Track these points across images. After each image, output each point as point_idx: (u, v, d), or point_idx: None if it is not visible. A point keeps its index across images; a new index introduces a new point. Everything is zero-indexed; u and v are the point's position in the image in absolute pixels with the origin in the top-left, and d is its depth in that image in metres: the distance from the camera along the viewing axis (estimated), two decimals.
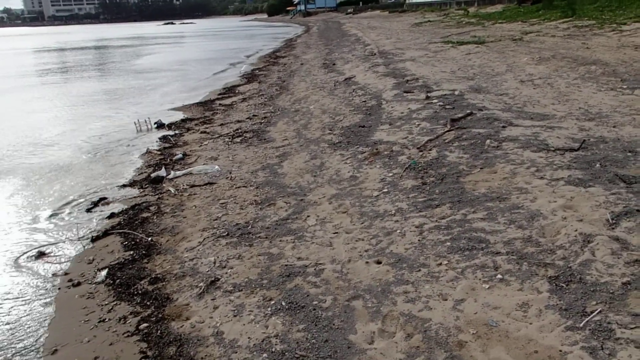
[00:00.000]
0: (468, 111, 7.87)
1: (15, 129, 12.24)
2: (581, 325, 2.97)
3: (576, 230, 3.93)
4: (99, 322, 4.04)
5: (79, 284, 4.70)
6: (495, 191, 5.02)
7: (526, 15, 25.96)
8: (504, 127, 6.91)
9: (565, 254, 3.69)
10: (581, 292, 3.25)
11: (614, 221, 3.94)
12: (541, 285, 3.41)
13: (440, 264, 3.94)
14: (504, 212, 4.53)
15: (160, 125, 11.28)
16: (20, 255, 5.48)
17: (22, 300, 4.59)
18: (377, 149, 7.08)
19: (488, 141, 6.34)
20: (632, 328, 2.87)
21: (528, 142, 6.13)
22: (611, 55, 12.03)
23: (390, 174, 6.12)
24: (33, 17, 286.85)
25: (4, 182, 8.17)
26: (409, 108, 8.92)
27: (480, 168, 5.64)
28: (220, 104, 13.72)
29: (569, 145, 5.89)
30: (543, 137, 6.29)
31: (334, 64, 18.21)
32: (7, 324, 4.25)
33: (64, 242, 5.73)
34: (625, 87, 8.94)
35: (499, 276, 3.61)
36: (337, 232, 4.90)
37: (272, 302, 3.87)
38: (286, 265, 4.41)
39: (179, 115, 12.58)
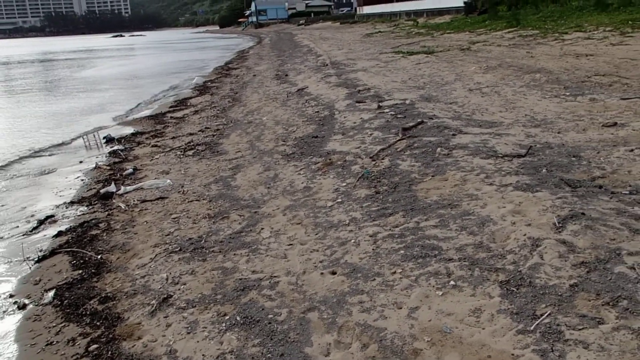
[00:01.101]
0: (419, 120, 8.00)
1: None
2: (532, 328, 3.03)
3: (525, 235, 4.02)
4: (47, 345, 3.86)
5: (24, 306, 4.49)
6: (446, 198, 5.10)
7: (473, 25, 26.74)
8: (454, 135, 7.05)
9: (515, 258, 3.77)
10: (531, 296, 3.32)
11: (560, 225, 4.06)
12: (493, 290, 3.47)
13: (395, 272, 3.95)
14: (455, 218, 4.60)
15: (109, 140, 11.00)
16: None
17: None
18: (330, 159, 7.10)
19: (439, 149, 6.45)
20: (580, 329, 2.95)
21: (477, 149, 6.27)
22: (554, 63, 12.50)
23: (344, 184, 6.14)
24: None
25: None
26: (361, 118, 9.00)
27: (432, 176, 5.73)
28: (171, 117, 13.51)
29: (517, 152, 6.06)
30: (492, 144, 6.45)
31: (286, 75, 18.23)
32: None
33: (8, 262, 5.47)
34: (568, 94, 9.30)
35: (452, 282, 3.65)
36: (291, 244, 4.86)
37: (227, 317, 3.79)
38: (240, 279, 4.34)
39: (129, 129, 12.30)
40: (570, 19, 20.11)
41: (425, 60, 16.26)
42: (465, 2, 35.01)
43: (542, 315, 3.12)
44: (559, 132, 6.94)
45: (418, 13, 44.78)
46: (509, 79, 11.34)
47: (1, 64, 49.39)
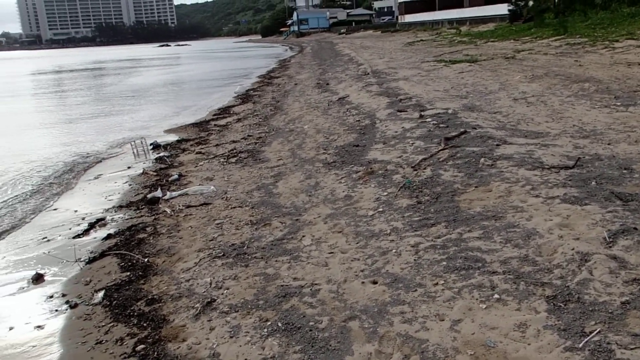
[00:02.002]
0: (462, 129, 7.92)
1: (12, 148, 12.22)
2: (580, 345, 2.96)
3: (573, 249, 3.93)
4: (96, 343, 3.99)
5: (76, 305, 4.66)
6: (490, 210, 5.03)
7: (518, 33, 26.31)
8: (498, 145, 6.95)
9: (563, 273, 3.69)
10: (580, 312, 3.24)
11: (611, 239, 3.95)
12: (539, 305, 3.40)
13: (437, 283, 3.92)
14: (499, 230, 4.53)
15: (156, 147, 11.30)
16: (19, 277, 5.45)
17: (20, 322, 4.54)
18: (371, 168, 7.10)
19: (482, 159, 6.37)
20: (632, 348, 2.86)
21: (522, 160, 6.17)
22: (604, 72, 12.18)
23: (385, 193, 6.13)
24: (31, 41, 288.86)
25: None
26: (402, 127, 8.97)
27: (475, 186, 5.66)
28: (215, 125, 13.77)
29: (564, 163, 5.92)
30: (537, 155, 6.33)
31: (327, 84, 18.33)
32: (4, 346, 4.20)
33: (61, 263, 5.69)
34: (619, 104, 9.04)
35: (496, 296, 3.60)
36: (332, 252, 4.88)
37: (269, 322, 3.84)
38: (282, 285, 4.38)
39: (174, 136, 12.61)
40: (622, 27, 19.55)
41: (468, 69, 16.08)
42: (509, 10, 34.49)
43: (591, 332, 3.04)
44: (609, 144, 6.75)
45: (461, 21, 44.35)
46: (556, 88, 11.10)
47: (54, 72, 51.37)
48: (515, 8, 33.72)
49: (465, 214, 5.05)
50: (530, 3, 30.36)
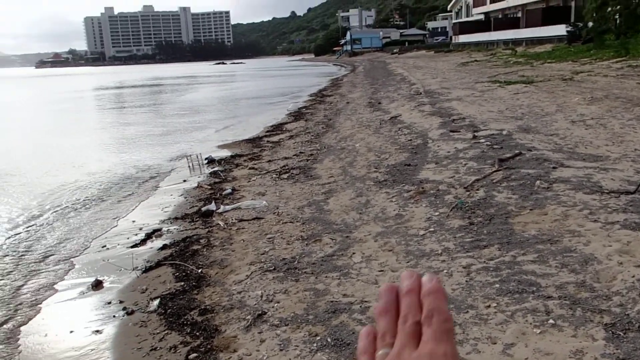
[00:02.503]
0: (517, 151, 7.79)
1: (74, 161, 12.81)
2: None
3: (633, 277, 3.80)
4: (151, 350, 4.13)
5: (132, 312, 4.83)
6: (546, 233, 4.92)
7: (577, 54, 25.69)
8: (554, 168, 6.80)
9: (622, 300, 3.58)
10: None
11: None
12: (596, 332, 3.31)
13: (489, 306, 3.87)
14: (555, 255, 4.43)
15: (210, 161, 11.61)
16: (80, 283, 5.71)
17: (80, 326, 4.75)
18: (423, 188, 7.07)
19: (538, 182, 6.25)
20: None
21: (580, 183, 6.01)
22: None
23: (437, 213, 6.09)
24: (95, 58, 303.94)
25: (63, 209, 8.56)
26: (455, 147, 8.90)
27: (530, 209, 5.55)
28: (268, 141, 14.02)
29: (625, 188, 5.74)
30: (596, 179, 6.16)
31: (379, 103, 18.38)
32: (65, 348, 4.41)
33: (119, 271, 5.92)
34: None
35: (551, 321, 3.52)
36: (382, 270, 4.89)
37: (318, 337, 3.88)
38: (332, 301, 4.41)
39: (228, 152, 12.92)
40: None
41: (523, 90, 15.80)
42: (568, 31, 33.72)
43: None
44: None
45: (516, 42, 43.64)
46: (617, 111, 10.77)
47: (116, 87, 53.60)
48: (574, 29, 32.96)
49: (519, 237, 4.96)
50: (590, 24, 29.59)
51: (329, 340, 3.81)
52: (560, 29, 35.60)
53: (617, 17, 26.96)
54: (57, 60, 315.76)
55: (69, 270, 6.16)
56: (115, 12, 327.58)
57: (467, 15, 67.02)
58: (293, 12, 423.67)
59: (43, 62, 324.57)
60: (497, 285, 4.13)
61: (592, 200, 5.46)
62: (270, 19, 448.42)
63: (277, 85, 43.49)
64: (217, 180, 9.81)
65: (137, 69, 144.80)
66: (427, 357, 0.48)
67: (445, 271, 4.58)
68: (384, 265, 5.00)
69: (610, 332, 3.28)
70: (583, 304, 3.63)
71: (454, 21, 73.06)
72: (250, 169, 10.53)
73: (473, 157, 8.06)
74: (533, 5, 46.35)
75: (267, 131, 16.14)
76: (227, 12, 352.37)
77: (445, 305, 0.51)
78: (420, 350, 0.49)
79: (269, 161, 11.11)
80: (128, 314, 4.81)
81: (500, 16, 55.25)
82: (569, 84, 16.14)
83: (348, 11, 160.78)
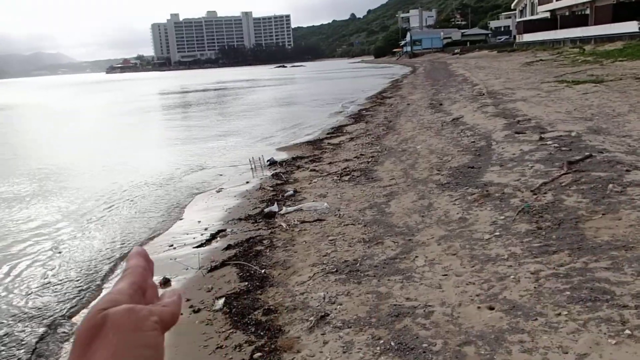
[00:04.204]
0: (587, 153, 7.48)
1: (144, 163, 13.34)
2: None
3: None
4: (217, 348, 4.25)
5: (199, 310, 4.98)
6: (620, 239, 4.71)
7: None
8: (628, 170, 6.49)
9: None
10: None
11: None
12: None
13: (560, 314, 3.74)
14: (631, 262, 4.23)
15: (272, 163, 11.80)
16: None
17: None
18: (487, 191, 6.91)
19: (610, 185, 5.98)
20: None
21: None
22: None
23: (502, 217, 5.94)
24: (161, 63, 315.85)
25: (132, 209, 8.94)
26: (521, 149, 8.65)
27: (602, 214, 5.32)
28: (328, 143, 14.10)
29: None
30: None
31: (440, 104, 18.10)
32: None
33: (186, 270, 6.12)
34: None
35: (628, 331, 3.36)
36: (446, 274, 4.82)
37: (381, 341, 3.87)
38: (394, 305, 4.39)
39: (290, 154, 13.09)
40: None
41: (593, 90, 15.15)
42: None
43: None
44: None
45: (584, 40, 41.87)
46: None
47: (182, 92, 55.35)
48: None
49: (591, 242, 4.77)
50: None
51: (392, 344, 3.80)
52: (632, 26, 33.91)
53: None
54: (126, 66, 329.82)
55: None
56: (181, 19, 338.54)
57: (532, 14, 64.93)
58: (353, 14, 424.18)
59: (113, 67, 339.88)
60: (568, 293, 3.99)
61: None
62: (330, 21, 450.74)
63: (337, 87, 43.64)
64: (279, 182, 9.96)
65: (200, 73, 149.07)
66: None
67: (512, 277, 4.47)
68: (447, 269, 4.93)
69: None
70: None
71: (517, 20, 70.99)
72: (311, 170, 10.63)
73: (540, 160, 7.80)
74: (602, 1, 44.36)
75: (328, 133, 16.23)
76: (288, 16, 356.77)
77: None
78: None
79: (330, 163, 11.17)
80: (195, 312, 4.96)
81: (567, 13, 53.20)
82: None
83: (408, 12, 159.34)
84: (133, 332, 0.52)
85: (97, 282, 6.19)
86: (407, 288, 4.68)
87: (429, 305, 4.28)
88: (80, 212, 9.20)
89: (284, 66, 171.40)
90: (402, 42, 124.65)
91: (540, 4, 59.29)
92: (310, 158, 12.09)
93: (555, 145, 8.49)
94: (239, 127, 20.38)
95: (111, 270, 6.55)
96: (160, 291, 0.60)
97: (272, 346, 4.10)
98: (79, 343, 0.51)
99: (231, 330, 4.48)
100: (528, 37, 56.65)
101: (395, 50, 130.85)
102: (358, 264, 5.40)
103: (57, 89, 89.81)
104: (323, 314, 4.41)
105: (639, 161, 6.97)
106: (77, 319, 5.36)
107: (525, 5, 69.36)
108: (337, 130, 16.82)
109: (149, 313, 0.54)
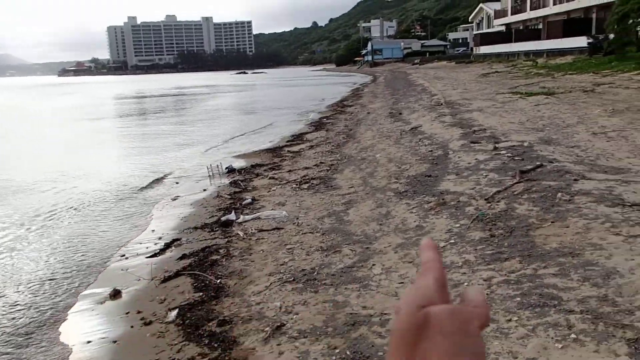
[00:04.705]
0: (538, 163, 7.71)
1: (94, 171, 13.02)
2: None
3: None
4: None
5: (150, 322, 4.88)
6: (567, 246, 4.86)
7: (598, 66, 25.37)
8: (576, 180, 6.72)
9: None
10: None
11: None
12: (619, 347, 3.26)
13: (510, 319, 3.83)
14: (577, 268, 4.37)
15: (230, 170, 11.70)
16: (97, 292, 5.79)
17: (97, 337, 4.81)
18: (443, 199, 7.04)
19: (559, 194, 6.18)
20: None
21: (602, 196, 5.93)
22: None
23: (457, 225, 6.05)
24: (117, 67, 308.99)
25: (81, 219, 8.70)
26: (476, 158, 8.85)
27: (552, 222, 5.49)
28: (288, 151, 14.10)
29: None
30: (618, 191, 6.06)
31: (400, 114, 18.35)
32: (82, 358, 4.46)
33: (138, 281, 5.98)
34: None
35: (573, 335, 3.47)
36: (403, 282, 4.87)
37: (337, 350, 3.87)
38: (351, 313, 4.41)
39: (249, 161, 13.01)
40: None
41: (545, 102, 15.65)
42: (589, 43, 33.38)
43: None
44: None
45: (537, 53, 43.25)
46: (639, 124, 10.60)
47: (138, 97, 54.38)
48: (595, 41, 32.63)
49: (540, 250, 4.91)
50: (612, 36, 29.27)
51: (348, 353, 3.81)
52: (581, 41, 35.24)
53: (638, 29, 26.63)
54: (80, 69, 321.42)
55: (88, 279, 6.23)
56: (139, 22, 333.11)
57: (488, 27, 66.65)
58: (315, 23, 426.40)
59: (65, 70, 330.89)
60: (519, 299, 4.09)
61: (614, 213, 5.38)
62: (292, 29, 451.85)
63: (299, 95, 43.71)
64: (237, 189, 9.88)
65: (158, 78, 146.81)
66: None
67: (465, 283, 4.55)
68: (404, 277, 4.99)
69: (633, 347, 3.23)
70: (605, 319, 3.57)
71: (475, 32, 72.70)
72: (270, 178, 10.59)
73: (494, 169, 8.00)
74: (554, 17, 45.96)
75: (288, 141, 16.23)
76: (250, 22, 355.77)
77: None
78: None
79: (289, 171, 11.16)
80: (146, 324, 4.85)
81: (521, 27, 54.87)
82: (590, 96, 15.95)
83: (369, 22, 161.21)
84: (461, 337, 0.49)
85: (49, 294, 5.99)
86: (363, 296, 4.71)
87: (385, 314, 4.31)
88: (29, 222, 8.90)
89: (244, 72, 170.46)
90: (364, 52, 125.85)
91: (496, 17, 60.97)
92: (269, 166, 12.06)
93: (509, 154, 8.72)
94: (196, 134, 20.14)
95: (71, 280, 6.34)
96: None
97: (226, 358, 4.05)
98: (405, 342, 0.49)
99: (184, 343, 4.41)
100: (485, 49, 58.10)
101: (356, 59, 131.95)
102: (315, 273, 5.40)
103: (3, 91, 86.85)
104: (279, 324, 4.39)
105: (586, 171, 7.23)
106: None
107: (482, 18, 71.16)
108: (298, 137, 16.83)
109: (471, 316, 0.51)
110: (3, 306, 5.70)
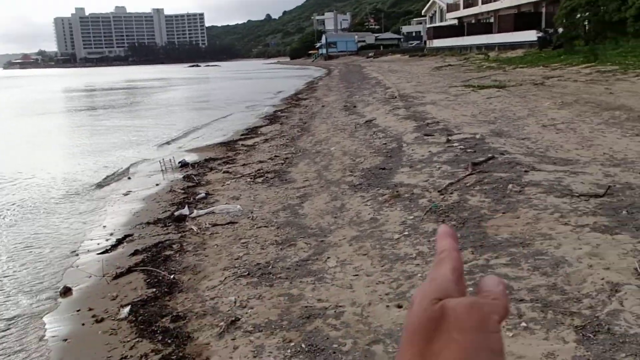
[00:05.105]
0: (489, 155, 7.88)
1: (44, 165, 12.54)
2: None
3: (603, 279, 3.86)
4: (121, 358, 4.04)
5: (102, 320, 4.72)
6: (518, 236, 4.97)
7: (548, 60, 26.17)
8: (526, 171, 6.89)
9: (592, 303, 3.62)
10: (609, 344, 3.17)
11: None
12: (567, 334, 3.35)
13: None
14: (527, 258, 4.48)
15: (184, 165, 11.47)
16: (47, 289, 5.57)
17: (48, 334, 4.63)
18: (397, 192, 7.10)
19: (510, 185, 6.32)
20: None
21: (551, 187, 6.10)
22: (636, 100, 12.02)
23: (411, 217, 6.11)
24: (65, 59, 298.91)
25: (30, 215, 8.36)
26: (429, 151, 8.96)
27: (503, 213, 5.61)
28: (242, 145, 13.94)
29: (594, 191, 5.84)
30: (567, 182, 6.25)
31: (354, 107, 18.44)
32: (29, 358, 4.28)
33: (89, 278, 5.79)
34: None
35: (523, 324, 3.55)
36: (357, 275, 4.88)
37: (292, 343, 3.84)
38: (306, 306, 4.38)
39: (202, 155, 12.79)
40: None
41: (496, 95, 16.03)
42: (539, 37, 34.41)
43: None
44: None
45: (489, 47, 44.32)
46: (586, 116, 10.99)
47: (86, 90, 52.75)
48: (545, 35, 33.66)
49: (492, 240, 5.00)
50: (560, 30, 30.24)
51: (303, 346, 3.78)
52: (531, 35, 36.30)
53: (586, 23, 27.62)
54: (26, 62, 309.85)
55: (37, 277, 5.99)
56: (87, 13, 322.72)
57: (441, 20, 67.80)
58: (268, 15, 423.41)
59: (11, 63, 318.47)
60: (471, 289, 4.12)
61: (563, 203, 5.54)
62: (245, 21, 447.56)
63: (253, 88, 43.33)
64: (190, 184, 9.69)
65: (108, 71, 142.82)
66: None
67: (419, 275, 4.59)
68: (358, 269, 4.99)
69: (581, 334, 3.32)
70: (554, 307, 3.67)
71: (428, 26, 73.83)
72: (224, 172, 10.44)
73: (447, 161, 8.12)
74: (505, 10, 47.19)
75: (242, 135, 16.04)
76: (202, 14, 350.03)
77: None
78: None
79: (244, 165, 11.03)
80: (97, 321, 4.70)
81: (473, 21, 56.08)
82: (540, 89, 16.43)
83: (323, 14, 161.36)
84: (478, 333, 0.45)
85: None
86: (318, 289, 4.69)
87: (340, 306, 4.30)
88: None
89: (197, 65, 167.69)
90: (318, 45, 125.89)
91: (449, 11, 62.09)
92: (223, 160, 11.88)
93: (461, 147, 8.87)
94: (148, 128, 19.66)
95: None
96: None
97: (180, 354, 3.95)
98: (419, 338, 0.46)
99: (137, 340, 4.28)
100: (437, 43, 59.12)
101: (311, 52, 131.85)
102: (270, 267, 5.35)
103: None
104: (234, 318, 4.32)
105: (536, 162, 7.43)
106: None
107: (435, 12, 72.29)
108: (252, 131, 16.67)
109: (490, 310, 0.46)
110: None
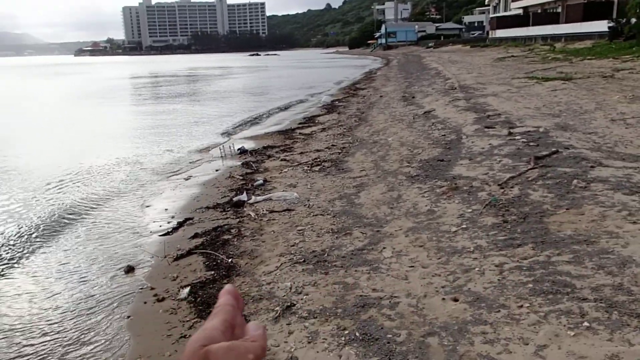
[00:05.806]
0: (553, 149, 7.62)
1: (108, 152, 13.09)
2: None
3: None
4: (180, 337, 4.19)
5: (163, 299, 4.91)
6: (582, 234, 4.80)
7: (618, 51, 24.94)
8: (592, 167, 6.62)
9: None
10: None
11: None
12: (634, 337, 3.22)
13: (522, 306, 3.80)
14: (591, 256, 4.32)
15: (243, 152, 11.69)
16: (112, 268, 5.84)
17: (111, 312, 4.85)
18: (456, 184, 6.98)
19: (575, 181, 6.10)
20: None
21: (619, 184, 5.84)
22: None
23: (470, 210, 6.00)
24: (132, 47, 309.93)
25: (96, 196, 8.76)
26: (490, 144, 8.75)
27: (566, 209, 5.42)
28: (300, 133, 14.05)
29: None
30: (636, 179, 5.97)
31: (413, 97, 18.20)
32: (95, 333, 4.51)
33: (151, 258, 6.02)
34: None
35: (586, 324, 3.43)
36: (413, 266, 4.85)
37: (346, 331, 3.87)
38: (361, 295, 4.40)
39: (260, 142, 12.99)
40: None
41: (562, 87, 15.42)
42: (610, 27, 32.78)
43: None
44: None
45: (555, 38, 42.62)
46: None
47: (152, 76, 54.42)
48: (616, 25, 32.03)
49: (554, 237, 4.85)
50: (633, 20, 28.69)
51: (357, 334, 3.80)
52: (601, 25, 34.63)
53: None
54: (96, 49, 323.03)
55: (102, 255, 6.28)
56: (153, 3, 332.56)
57: (505, 10, 65.72)
58: (328, 5, 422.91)
59: (82, 50, 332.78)
60: (531, 285, 4.05)
61: (632, 201, 5.30)
62: (305, 10, 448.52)
63: (311, 77, 43.48)
64: (249, 170, 9.88)
65: (172, 59, 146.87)
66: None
67: (477, 269, 4.52)
68: (414, 260, 4.96)
69: None
70: (620, 307, 3.53)
71: (491, 15, 71.78)
72: (282, 160, 10.57)
73: (508, 154, 7.91)
74: (574, 0, 45.18)
75: (300, 123, 16.16)
76: (263, 4, 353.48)
77: None
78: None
79: (301, 153, 11.13)
80: (159, 300, 4.89)
81: (539, 11, 54.05)
82: (609, 82, 15.68)
83: (384, 4, 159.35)
84: None
85: None
86: (373, 279, 4.69)
87: (395, 296, 4.30)
88: (40, 194, 8.96)
89: (257, 54, 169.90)
90: (377, 34, 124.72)
91: (513, 0, 60.05)
92: (281, 147, 12.03)
93: (524, 140, 8.61)
94: (209, 115, 20.12)
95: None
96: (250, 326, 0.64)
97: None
98: None
99: (195, 320, 4.43)
100: (501, 33, 57.37)
101: (369, 42, 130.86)
102: (326, 255, 5.39)
103: (30, 69, 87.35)
104: (289, 304, 4.40)
105: (603, 158, 7.12)
106: None
107: (499, 1, 70.16)
108: (310, 120, 16.76)
109: (246, 350, 0.58)
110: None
